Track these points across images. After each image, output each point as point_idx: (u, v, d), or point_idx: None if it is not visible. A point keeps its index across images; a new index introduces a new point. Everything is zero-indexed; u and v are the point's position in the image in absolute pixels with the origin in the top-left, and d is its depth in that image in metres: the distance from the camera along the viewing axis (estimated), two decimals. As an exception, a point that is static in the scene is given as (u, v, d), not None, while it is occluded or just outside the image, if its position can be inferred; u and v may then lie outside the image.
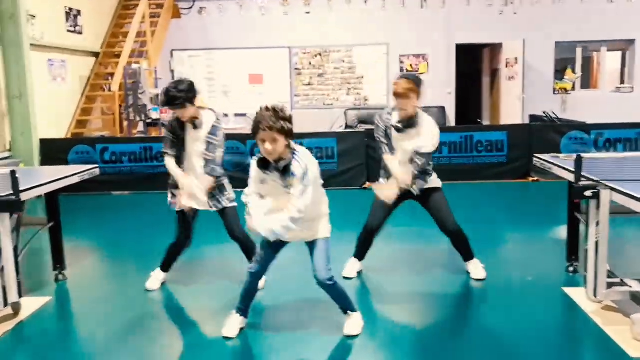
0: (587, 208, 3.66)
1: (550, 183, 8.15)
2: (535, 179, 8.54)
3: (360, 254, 4.66)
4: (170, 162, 4.24)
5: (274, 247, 3.53)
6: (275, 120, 3.16)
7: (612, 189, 3.38)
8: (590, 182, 3.52)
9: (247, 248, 4.36)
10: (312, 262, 3.46)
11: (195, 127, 4.15)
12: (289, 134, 3.22)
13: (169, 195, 4.32)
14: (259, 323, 3.84)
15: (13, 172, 3.67)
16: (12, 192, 3.68)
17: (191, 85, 4.10)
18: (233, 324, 3.65)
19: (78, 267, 5.11)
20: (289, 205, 3.26)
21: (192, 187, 4.20)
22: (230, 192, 4.33)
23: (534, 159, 4.82)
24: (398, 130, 4.27)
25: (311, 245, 3.48)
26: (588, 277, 3.64)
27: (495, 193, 8.08)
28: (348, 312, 3.63)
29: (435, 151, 4.34)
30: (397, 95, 4.15)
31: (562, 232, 5.56)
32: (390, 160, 4.33)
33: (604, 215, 3.44)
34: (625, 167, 3.85)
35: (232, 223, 4.30)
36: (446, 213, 4.39)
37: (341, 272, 4.52)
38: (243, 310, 3.69)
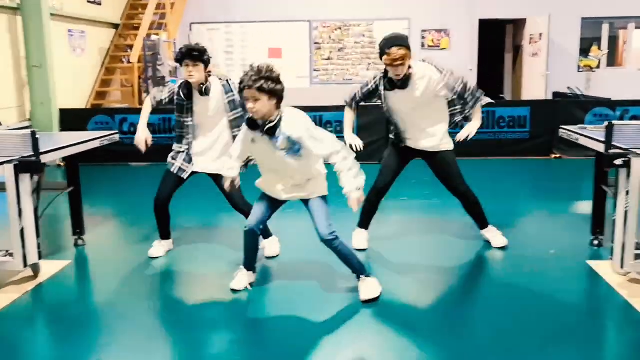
0: (616, 180, 3.56)
1: (573, 160, 8.01)
2: (558, 155, 8.39)
3: (365, 222, 4.52)
4: (147, 105, 4.34)
5: (270, 205, 3.60)
6: (255, 79, 3.17)
7: (644, 157, 3.28)
8: (621, 151, 3.41)
9: None
10: (312, 220, 3.46)
11: (202, 93, 4.10)
12: (272, 94, 3.20)
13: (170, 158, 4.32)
14: (272, 286, 3.84)
15: (33, 133, 3.66)
16: (32, 153, 3.67)
17: (206, 49, 4.10)
18: (241, 278, 3.76)
19: (96, 234, 5.12)
20: (332, 157, 3.29)
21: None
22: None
23: (560, 130, 4.71)
24: (386, 88, 4.07)
25: (308, 204, 3.50)
26: (615, 248, 3.55)
27: (517, 169, 7.95)
28: (361, 276, 3.59)
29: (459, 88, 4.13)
30: (392, 65, 3.88)
31: (586, 207, 5.47)
32: (347, 116, 4.43)
33: (634, 184, 3.34)
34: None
35: (233, 192, 4.15)
36: (455, 173, 4.27)
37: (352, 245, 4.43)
38: (248, 266, 3.79)
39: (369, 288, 3.57)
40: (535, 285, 3.79)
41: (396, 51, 3.86)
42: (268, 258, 4.29)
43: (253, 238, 3.66)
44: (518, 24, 12.54)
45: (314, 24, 12.30)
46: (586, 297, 3.75)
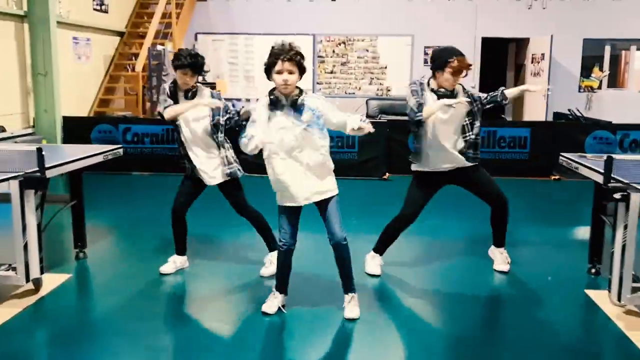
0: (615, 210, 3.59)
1: (572, 182, 8.05)
2: (557, 177, 8.44)
3: (382, 248, 4.48)
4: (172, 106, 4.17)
5: (293, 214, 3.59)
6: (293, 53, 3.37)
7: (643, 193, 3.31)
8: (620, 185, 3.45)
9: (260, 225, 4.36)
10: (326, 223, 3.54)
11: (188, 96, 4.16)
12: (302, 69, 3.41)
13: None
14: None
15: (39, 150, 3.69)
16: (37, 169, 3.70)
17: (202, 58, 4.18)
18: (273, 301, 3.76)
19: (98, 246, 5.15)
20: (350, 119, 3.41)
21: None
22: (235, 163, 4.26)
23: (560, 157, 4.75)
24: (440, 96, 4.07)
25: (322, 206, 3.55)
26: (613, 281, 3.58)
27: (516, 190, 7.93)
28: (349, 292, 3.69)
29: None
30: (457, 72, 3.98)
31: (584, 232, 5.49)
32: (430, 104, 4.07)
33: (632, 218, 3.38)
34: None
35: (238, 196, 4.28)
36: (494, 183, 4.31)
37: (364, 269, 4.44)
38: (280, 288, 3.78)
39: (355, 306, 3.68)
40: (534, 315, 3.80)
41: (466, 60, 3.99)
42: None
43: (290, 255, 3.67)
44: (520, 43, 12.62)
45: (318, 38, 12.36)
46: (583, 328, 3.77)
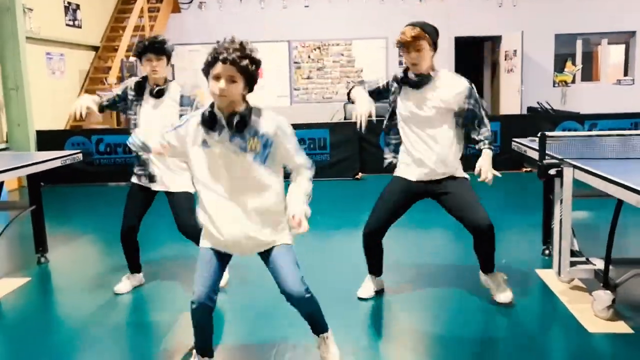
0: (552, 186, 3.66)
1: (543, 173, 8.12)
2: (529, 169, 8.51)
3: (374, 267, 3.84)
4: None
5: (218, 262, 2.67)
6: (241, 56, 2.42)
7: (575, 167, 3.38)
8: (554, 161, 3.51)
9: None
10: (276, 275, 2.63)
11: (156, 94, 3.71)
12: (250, 80, 2.49)
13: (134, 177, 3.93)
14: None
15: (-14, 153, 3.74)
16: (-14, 172, 3.76)
17: (167, 40, 3.75)
18: None
19: (62, 252, 5.18)
20: (301, 171, 2.63)
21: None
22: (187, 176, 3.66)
23: (512, 143, 4.82)
24: (411, 84, 3.41)
25: (270, 255, 2.65)
26: (554, 257, 3.64)
27: (489, 184, 8.01)
28: (324, 334, 2.86)
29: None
30: (403, 44, 3.27)
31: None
32: (358, 90, 3.55)
33: (566, 193, 3.44)
34: (595, 146, 3.83)
35: (183, 213, 3.76)
36: (477, 205, 3.54)
37: (357, 293, 3.88)
38: (203, 349, 2.83)
39: (331, 352, 2.87)
40: (483, 294, 3.83)
41: (409, 30, 3.28)
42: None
43: (206, 314, 2.67)
44: (495, 41, 12.75)
45: (293, 44, 12.47)
46: (530, 305, 3.76)
